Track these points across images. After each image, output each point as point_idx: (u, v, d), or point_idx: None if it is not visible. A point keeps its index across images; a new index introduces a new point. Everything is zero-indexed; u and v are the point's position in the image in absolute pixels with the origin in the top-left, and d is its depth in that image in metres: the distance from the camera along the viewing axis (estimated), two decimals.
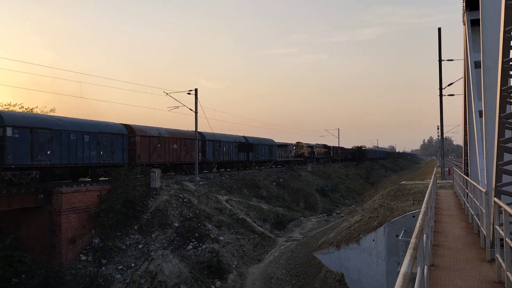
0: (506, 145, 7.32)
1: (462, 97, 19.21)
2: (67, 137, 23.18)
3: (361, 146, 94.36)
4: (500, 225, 6.40)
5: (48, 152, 22.04)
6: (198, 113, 34.38)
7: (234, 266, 21.91)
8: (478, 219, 9.21)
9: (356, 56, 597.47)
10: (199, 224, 24.34)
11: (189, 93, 34.07)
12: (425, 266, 4.84)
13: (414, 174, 73.89)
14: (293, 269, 22.16)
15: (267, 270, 22.01)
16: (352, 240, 19.45)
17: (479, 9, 10.18)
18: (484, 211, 8.11)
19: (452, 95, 34.18)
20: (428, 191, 9.22)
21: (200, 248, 22.08)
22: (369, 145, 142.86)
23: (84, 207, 22.30)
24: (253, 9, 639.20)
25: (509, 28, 6.84)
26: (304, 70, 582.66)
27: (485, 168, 9.88)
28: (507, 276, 5.35)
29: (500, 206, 6.31)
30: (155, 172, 27.35)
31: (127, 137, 27.83)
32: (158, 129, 31.32)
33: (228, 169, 42.46)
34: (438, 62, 29.77)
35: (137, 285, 18.66)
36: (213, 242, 22.96)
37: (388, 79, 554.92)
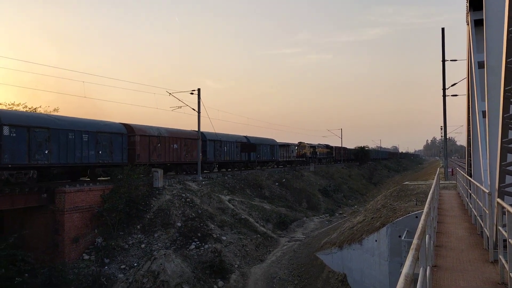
0: (509, 145, 7.29)
1: (465, 97, 19.15)
2: (65, 137, 22.89)
3: (364, 147, 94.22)
4: (503, 226, 6.37)
5: (46, 152, 21.72)
6: (201, 113, 34.38)
7: (236, 266, 21.91)
8: (481, 220, 9.17)
9: (360, 56, 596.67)
10: (202, 224, 24.36)
11: (192, 93, 34.09)
12: (428, 267, 4.83)
13: (417, 174, 73.71)
14: (296, 269, 22.14)
15: (269, 270, 22.00)
16: (355, 240, 19.41)
17: (482, 9, 10.13)
18: (487, 212, 8.07)
19: (456, 95, 34.05)
20: (431, 192, 9.20)
21: (202, 248, 22.09)
22: (372, 145, 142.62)
23: (87, 207, 22.33)
24: (257, 9, 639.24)
25: None
26: (308, 70, 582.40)
27: (488, 168, 9.84)
28: (510, 277, 5.32)
29: (503, 207, 6.28)
30: (158, 172, 27.37)
31: (127, 137, 27.57)
32: (158, 128, 31.13)
33: (229, 169, 42.20)
34: (441, 62, 29.69)
35: (140, 284, 18.69)
36: (216, 242, 22.97)
37: (391, 79, 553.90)
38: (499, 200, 6.77)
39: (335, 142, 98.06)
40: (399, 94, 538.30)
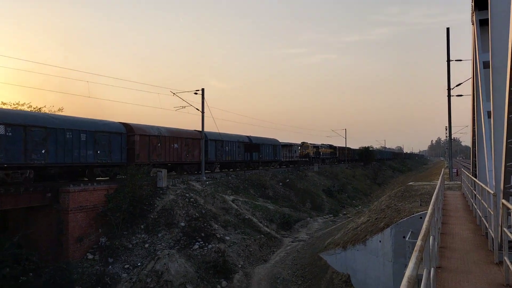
0: None
1: (470, 97, 19.05)
2: (63, 136, 22.55)
3: (368, 147, 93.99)
4: (509, 227, 6.33)
5: (43, 151, 21.40)
6: (205, 113, 34.39)
7: (240, 266, 21.90)
8: (486, 221, 9.12)
9: (365, 56, 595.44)
10: (205, 224, 24.37)
11: (196, 93, 34.11)
12: (432, 269, 4.79)
13: (422, 175, 73.46)
14: (299, 270, 22.11)
15: (273, 271, 21.97)
16: (359, 241, 19.36)
17: (488, 9, 10.07)
18: (492, 213, 8.01)
19: (461, 95, 33.86)
20: (435, 193, 9.14)
21: (206, 248, 22.10)
22: (376, 145, 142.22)
23: (91, 206, 22.38)
24: (261, 9, 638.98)
25: None
26: (312, 70, 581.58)
27: (493, 169, 9.78)
28: None
29: (508, 208, 6.23)
30: (161, 172, 27.39)
31: (126, 136, 27.15)
32: (158, 128, 30.75)
33: (231, 169, 41.90)
34: (446, 62, 29.55)
35: (143, 284, 18.72)
36: (219, 242, 22.97)
37: (396, 79, 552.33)
38: (504, 201, 6.72)
39: (339, 142, 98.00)
40: (404, 94, 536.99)
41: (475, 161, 16.95)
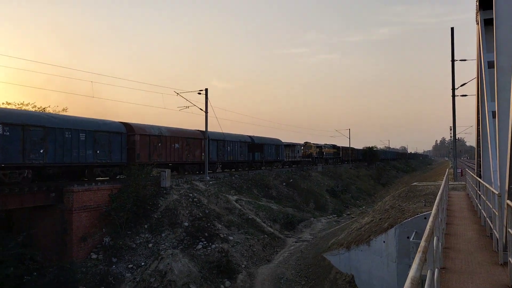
0: None
1: (475, 97, 18.96)
2: (62, 135, 22.26)
3: (372, 147, 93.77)
4: None
5: (41, 151, 21.11)
6: (208, 113, 34.41)
7: (243, 266, 21.90)
8: (491, 222, 9.06)
9: (369, 55, 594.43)
10: (209, 224, 24.38)
11: (199, 93, 34.15)
12: (436, 269, 4.76)
13: (426, 175, 73.20)
14: (303, 270, 22.07)
15: (276, 271, 21.95)
16: (363, 241, 19.30)
17: (492, 9, 10.01)
18: (496, 213, 7.97)
19: (465, 95, 33.71)
20: (439, 193, 9.10)
21: (209, 248, 22.11)
22: (380, 145, 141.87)
23: (95, 206, 22.43)
24: (265, 9, 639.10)
25: None
26: (316, 70, 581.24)
27: (498, 169, 9.72)
28: None
29: None
30: (165, 172, 27.43)
31: (126, 136, 26.84)
32: (159, 127, 30.47)
33: (233, 169, 41.55)
34: (451, 62, 29.41)
35: (147, 284, 18.75)
36: (223, 242, 22.98)
37: (400, 79, 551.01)
38: (509, 201, 6.67)
39: (343, 143, 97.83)
40: (408, 94, 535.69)
41: (480, 161, 16.87)
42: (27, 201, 20.54)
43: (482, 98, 14.76)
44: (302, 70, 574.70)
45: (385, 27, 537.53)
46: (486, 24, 14.42)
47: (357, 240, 19.93)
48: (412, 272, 2.61)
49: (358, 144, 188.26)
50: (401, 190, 27.30)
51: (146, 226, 23.33)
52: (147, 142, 28.43)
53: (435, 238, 5.11)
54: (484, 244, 8.93)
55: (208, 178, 32.57)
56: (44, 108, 33.62)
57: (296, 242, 27.25)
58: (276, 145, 50.51)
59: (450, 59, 29.36)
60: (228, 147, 39.66)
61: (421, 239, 3.98)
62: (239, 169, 41.86)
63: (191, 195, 26.98)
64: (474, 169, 24.50)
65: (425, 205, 18.10)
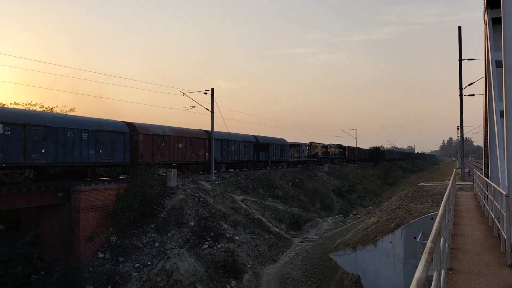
0: None
1: (482, 97, 18.81)
2: (64, 135, 22.11)
3: (378, 147, 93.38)
4: None
5: (43, 151, 20.96)
6: (214, 113, 34.44)
7: (249, 266, 21.91)
8: (498, 222, 8.98)
9: (374, 55, 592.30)
10: (215, 224, 24.42)
11: (205, 93, 34.20)
12: (443, 270, 4.73)
13: (433, 175, 72.78)
14: (309, 270, 22.04)
15: (282, 271, 21.94)
16: (369, 241, 19.23)
17: (500, 7, 9.93)
18: (504, 214, 7.89)
19: (473, 95, 33.42)
20: (446, 193, 9.04)
21: (215, 248, 22.14)
22: (387, 145, 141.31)
23: (102, 205, 22.54)
24: (269, 9, 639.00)
25: None
26: (321, 69, 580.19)
27: (506, 170, 9.64)
28: None
29: None
30: (171, 171, 27.49)
31: (129, 136, 26.68)
32: (162, 127, 30.34)
33: (237, 169, 41.23)
34: (458, 61, 29.20)
35: (153, 283, 18.83)
36: (229, 242, 23.00)
37: (407, 79, 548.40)
38: None
39: (349, 143, 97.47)
40: (415, 93, 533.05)
41: (487, 161, 16.73)
42: (34, 201, 20.69)
43: (490, 97, 14.64)
44: (307, 70, 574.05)
45: (390, 26, 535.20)
46: (494, 23, 14.29)
47: (364, 241, 19.86)
48: (418, 273, 2.60)
49: (365, 144, 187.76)
50: (408, 190, 27.16)
51: (152, 225, 23.42)
52: (150, 142, 28.31)
53: (442, 238, 5.08)
54: (492, 244, 8.86)
55: (214, 178, 32.61)
56: (51, 108, 33.85)
57: (302, 242, 27.21)
58: (281, 145, 50.26)
59: (458, 58, 29.15)
60: (232, 147, 39.42)
61: (428, 240, 3.95)
62: (244, 169, 41.58)
63: (197, 195, 27.04)
64: (482, 169, 24.33)
65: (432, 206, 17.99)
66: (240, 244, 23.41)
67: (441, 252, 4.69)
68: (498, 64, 12.33)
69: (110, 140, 25.06)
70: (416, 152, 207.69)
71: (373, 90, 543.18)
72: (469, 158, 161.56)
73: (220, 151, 37.17)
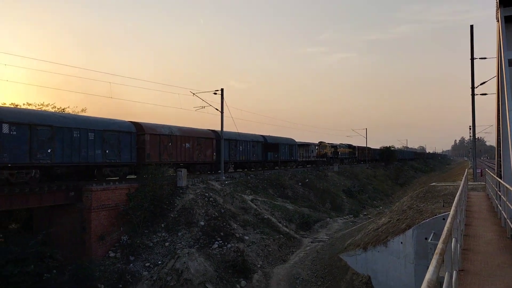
0: None
1: (495, 96, 18.58)
2: (70, 135, 22.00)
3: (389, 146, 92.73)
4: None
5: (49, 151, 20.86)
6: (224, 113, 34.50)
7: (259, 266, 21.91)
8: (511, 223, 8.87)
9: (385, 54, 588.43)
10: (225, 223, 24.47)
11: (215, 93, 34.27)
12: (454, 272, 4.69)
13: (445, 175, 72.10)
14: (319, 271, 21.97)
15: (292, 271, 21.90)
16: (380, 242, 19.11)
17: None
18: None
19: (485, 94, 32.98)
20: (458, 193, 8.95)
21: (225, 247, 22.19)
22: (398, 145, 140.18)
23: (113, 205, 22.71)
24: (280, 8, 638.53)
25: None
26: (332, 69, 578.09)
27: None
28: None
29: None
30: (181, 171, 27.59)
31: (136, 135, 26.53)
32: (169, 127, 30.19)
33: (245, 169, 41.00)
34: (470, 60, 28.88)
35: (164, 282, 18.93)
36: (238, 242, 23.03)
37: (418, 78, 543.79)
38: None
39: (360, 142, 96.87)
40: (426, 93, 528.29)
41: (500, 161, 16.53)
42: (46, 200, 20.92)
43: (502, 96, 14.46)
44: (318, 69, 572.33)
45: (402, 25, 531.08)
46: (507, 21, 14.12)
47: (374, 241, 19.74)
48: (428, 275, 2.58)
49: (375, 144, 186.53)
50: (419, 191, 26.94)
51: (162, 225, 23.55)
52: (157, 142, 28.19)
53: (453, 239, 5.03)
54: (504, 246, 8.74)
55: (223, 177, 32.67)
56: (63, 109, 34.20)
57: (312, 243, 27.13)
58: (289, 144, 49.98)
59: (470, 57, 28.83)
60: (240, 147, 39.20)
61: (439, 241, 3.92)
62: (252, 169, 41.35)
63: (207, 194, 27.11)
64: (494, 169, 24.02)
65: (443, 206, 17.83)
66: (250, 244, 23.43)
67: (452, 253, 4.64)
68: (511, 63, 12.18)
69: (117, 140, 24.98)
70: (427, 152, 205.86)
71: (384, 89, 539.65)
72: (481, 158, 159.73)
73: (228, 151, 36.93)
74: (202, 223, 24.08)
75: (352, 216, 37.66)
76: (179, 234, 22.98)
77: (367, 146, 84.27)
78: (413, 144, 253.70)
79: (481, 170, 37.52)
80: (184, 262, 19.69)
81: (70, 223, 21.95)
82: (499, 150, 17.76)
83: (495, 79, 18.29)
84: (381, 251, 18.74)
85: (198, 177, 31.13)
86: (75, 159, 22.38)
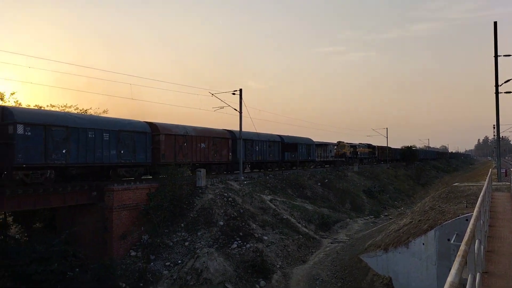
0: None
1: None
2: (85, 135, 21.96)
3: (411, 146, 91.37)
4: None
5: (64, 151, 20.83)
6: (242, 113, 34.54)
7: (278, 266, 21.87)
8: None
9: (406, 53, 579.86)
10: (243, 223, 24.51)
11: (233, 94, 34.34)
12: (477, 274, 4.58)
13: (468, 175, 70.65)
14: (339, 272, 21.79)
15: (311, 272, 21.78)
16: (401, 243, 18.84)
17: None
18: None
19: (510, 92, 32.18)
20: (481, 194, 8.75)
21: (244, 247, 22.22)
22: (419, 145, 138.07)
23: (134, 205, 23.01)
24: (298, 7, 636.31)
25: None
26: (351, 68, 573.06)
27: None
28: None
29: None
30: (200, 171, 27.75)
31: (151, 136, 26.45)
32: (184, 127, 29.99)
33: (261, 170, 40.54)
34: (494, 58, 28.21)
35: (184, 281, 19.10)
36: (257, 242, 23.04)
37: (440, 76, 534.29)
38: None
39: (380, 142, 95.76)
40: (448, 91, 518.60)
41: None
42: (69, 200, 21.34)
43: None
44: (337, 69, 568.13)
45: (423, 23, 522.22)
46: None
47: (395, 242, 19.47)
48: (451, 277, 2.52)
49: (396, 144, 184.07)
50: (441, 191, 26.45)
51: (182, 224, 23.75)
52: (172, 142, 28.08)
53: (476, 241, 4.91)
54: None
55: (242, 177, 32.72)
56: (86, 110, 34.78)
57: (331, 243, 26.94)
58: (307, 144, 49.44)
59: (493, 55, 28.17)
60: (257, 147, 38.83)
61: (462, 242, 3.83)
62: (269, 169, 40.95)
63: (226, 194, 27.21)
64: None
65: (466, 207, 17.45)
66: (269, 244, 23.41)
67: (476, 255, 4.54)
68: None
69: (132, 140, 24.93)
70: (450, 151, 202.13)
71: (405, 88, 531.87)
72: (506, 157, 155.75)
73: (244, 151, 36.49)
74: (221, 223, 24.18)
75: (372, 216, 37.22)
76: (199, 233, 23.13)
77: (388, 145, 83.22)
78: (435, 144, 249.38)
79: (506, 170, 36.61)
80: (204, 262, 19.82)
81: (92, 223, 22.32)
82: None
83: None
84: (402, 252, 18.47)
85: (217, 177, 31.24)
86: (90, 160, 22.38)
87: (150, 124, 27.21)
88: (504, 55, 28.62)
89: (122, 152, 24.16)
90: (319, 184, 41.00)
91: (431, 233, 16.67)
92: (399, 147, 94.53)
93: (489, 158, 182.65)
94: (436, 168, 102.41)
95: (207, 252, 20.63)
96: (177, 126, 29.60)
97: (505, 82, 28.71)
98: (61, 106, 33.41)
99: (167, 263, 20.90)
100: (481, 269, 5.98)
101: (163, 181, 25.13)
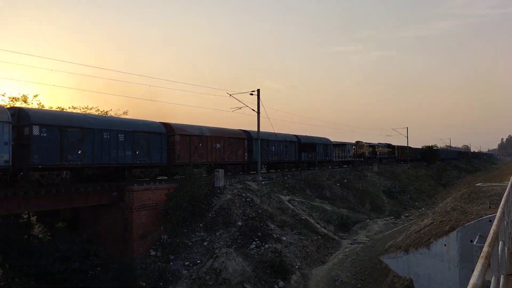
0: None
1: None
2: (100, 136, 22.08)
3: (432, 146, 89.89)
4: None
5: (79, 152, 20.99)
6: (260, 114, 34.53)
7: (297, 267, 21.79)
8: None
9: (427, 51, 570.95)
10: (262, 224, 24.50)
11: (251, 94, 34.37)
12: (501, 276, 4.46)
13: (491, 175, 69.01)
14: (359, 273, 21.57)
15: (331, 273, 21.63)
16: (422, 244, 18.54)
17: None
18: None
19: None
20: (505, 194, 8.54)
21: (263, 248, 22.21)
22: (440, 144, 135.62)
23: (154, 205, 23.24)
24: (316, 6, 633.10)
25: None
26: (370, 67, 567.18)
27: None
28: None
29: None
30: (219, 172, 27.86)
31: (166, 136, 26.48)
32: (199, 127, 30.01)
33: (278, 170, 40.25)
34: None
35: (203, 281, 19.20)
36: (276, 242, 22.99)
37: (461, 75, 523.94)
38: None
39: (400, 142, 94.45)
40: (470, 90, 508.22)
41: None
42: (91, 200, 21.72)
43: None
44: (356, 68, 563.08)
45: (444, 20, 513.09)
46: None
47: (416, 243, 19.17)
48: (473, 279, 2.46)
49: (416, 143, 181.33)
50: (463, 191, 25.92)
51: (201, 224, 23.88)
52: (187, 142, 28.06)
53: (500, 242, 4.79)
54: None
55: (260, 178, 32.71)
56: (106, 112, 35.38)
57: (351, 244, 26.69)
58: (324, 144, 48.92)
59: None
60: (273, 147, 38.53)
61: (485, 243, 3.74)
62: (286, 170, 40.56)
63: (244, 195, 27.24)
64: None
65: (489, 207, 17.06)
66: (288, 245, 23.34)
67: (499, 256, 4.42)
68: None
69: (147, 141, 24.95)
70: (472, 151, 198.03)
71: (425, 87, 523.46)
72: None
73: (260, 151, 36.15)
74: (239, 223, 24.22)
75: (393, 217, 36.71)
76: (217, 233, 23.22)
77: (408, 145, 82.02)
78: (457, 143, 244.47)
79: None
80: (223, 262, 19.89)
81: (112, 222, 22.65)
82: None
83: None
84: (424, 253, 18.17)
85: (234, 177, 31.29)
86: (105, 160, 22.49)
87: (165, 125, 27.29)
88: None
89: (137, 152, 24.24)
90: (338, 184, 40.68)
91: (453, 234, 16.36)
92: (420, 147, 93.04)
93: None
94: (458, 168, 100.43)
95: (226, 252, 20.70)
96: (192, 127, 29.61)
97: None
98: (83, 108, 34.05)
99: (186, 263, 21.05)
100: (505, 271, 5.82)
101: (182, 181, 25.33)
